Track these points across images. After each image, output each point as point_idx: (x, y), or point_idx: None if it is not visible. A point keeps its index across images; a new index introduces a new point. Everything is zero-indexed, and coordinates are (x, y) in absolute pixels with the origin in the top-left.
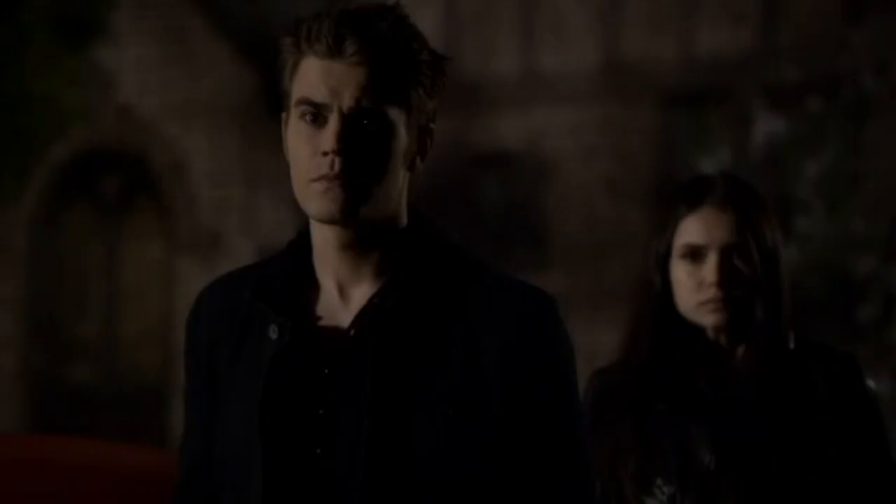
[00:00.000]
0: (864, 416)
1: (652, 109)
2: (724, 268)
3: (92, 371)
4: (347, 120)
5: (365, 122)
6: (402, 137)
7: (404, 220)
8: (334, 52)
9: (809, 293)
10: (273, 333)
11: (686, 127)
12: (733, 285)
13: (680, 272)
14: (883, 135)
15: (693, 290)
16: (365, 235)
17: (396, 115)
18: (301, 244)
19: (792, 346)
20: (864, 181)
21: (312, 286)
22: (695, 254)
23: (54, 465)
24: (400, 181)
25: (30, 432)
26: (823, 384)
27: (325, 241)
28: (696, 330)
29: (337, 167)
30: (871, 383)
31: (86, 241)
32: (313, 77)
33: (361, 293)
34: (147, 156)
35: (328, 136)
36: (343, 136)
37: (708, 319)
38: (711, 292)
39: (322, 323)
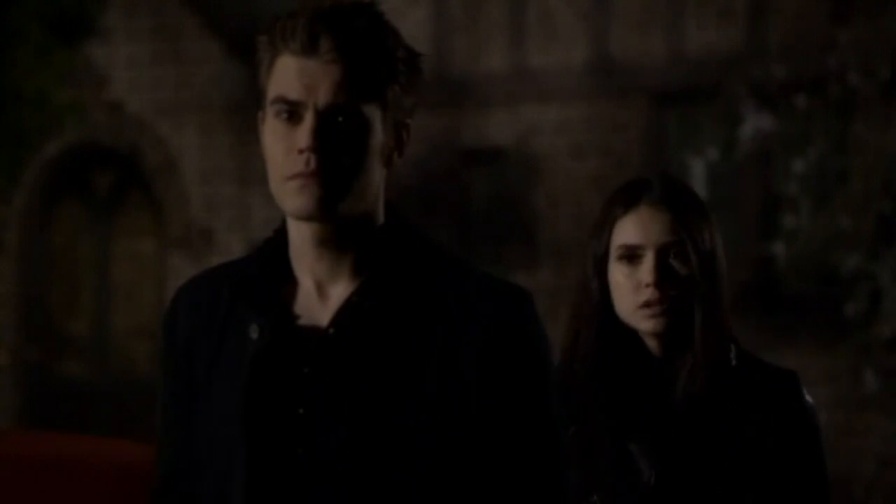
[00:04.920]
0: (801, 436)
1: (641, 107)
2: (661, 268)
3: (84, 366)
4: (322, 117)
5: (340, 119)
6: (379, 134)
7: (381, 217)
8: (309, 49)
9: (796, 290)
10: (253, 333)
11: (675, 125)
12: (670, 286)
13: (617, 275)
14: (869, 133)
15: (631, 292)
16: (342, 232)
17: (372, 112)
18: (278, 242)
19: (734, 362)
20: (851, 178)
21: (290, 284)
22: (631, 255)
23: (46, 461)
24: (377, 177)
25: (21, 427)
26: (763, 401)
27: (301, 238)
28: (636, 338)
29: (312, 164)
30: (809, 400)
31: (77, 238)
32: (288, 75)
33: (339, 291)
34: (138, 153)
35: (303, 133)
36: (318, 134)
37: (646, 324)
38: (648, 293)
39: (301, 322)
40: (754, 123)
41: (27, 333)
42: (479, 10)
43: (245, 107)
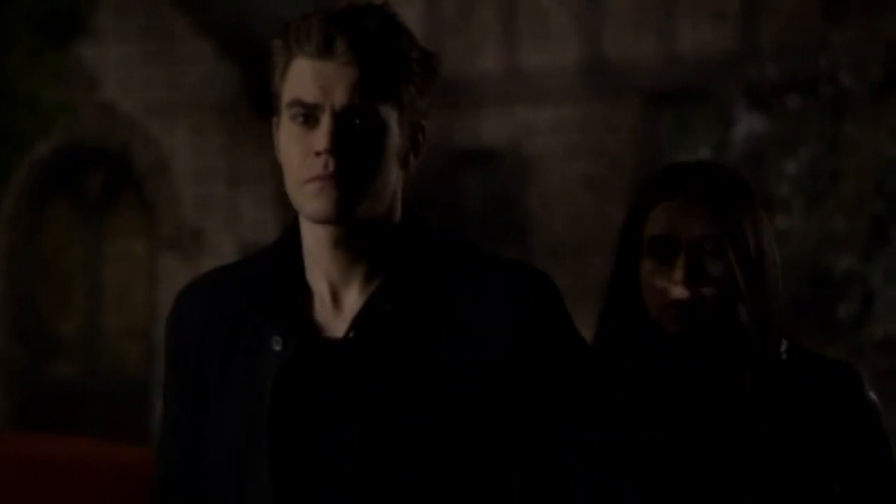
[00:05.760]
0: (864, 434)
1: (634, 108)
2: (693, 264)
3: (74, 368)
4: (339, 119)
5: (357, 121)
6: (395, 135)
7: (398, 219)
8: (324, 52)
9: (789, 291)
10: (276, 345)
11: (668, 125)
12: (703, 284)
13: (648, 270)
14: (861, 133)
15: (660, 289)
16: (358, 234)
17: (388, 113)
18: (288, 244)
19: (784, 357)
20: (844, 179)
21: (303, 289)
22: (663, 249)
23: (36, 463)
24: (394, 179)
25: (11, 429)
26: (819, 397)
27: (316, 240)
28: (666, 337)
29: (331, 167)
30: (872, 395)
31: (68, 239)
32: (304, 78)
33: (355, 296)
34: (130, 153)
35: (320, 136)
36: (335, 136)
37: (672, 325)
38: (678, 292)
39: (318, 328)
40: (747, 124)
41: (17, 335)
42: (472, 11)
43: (237, 107)
